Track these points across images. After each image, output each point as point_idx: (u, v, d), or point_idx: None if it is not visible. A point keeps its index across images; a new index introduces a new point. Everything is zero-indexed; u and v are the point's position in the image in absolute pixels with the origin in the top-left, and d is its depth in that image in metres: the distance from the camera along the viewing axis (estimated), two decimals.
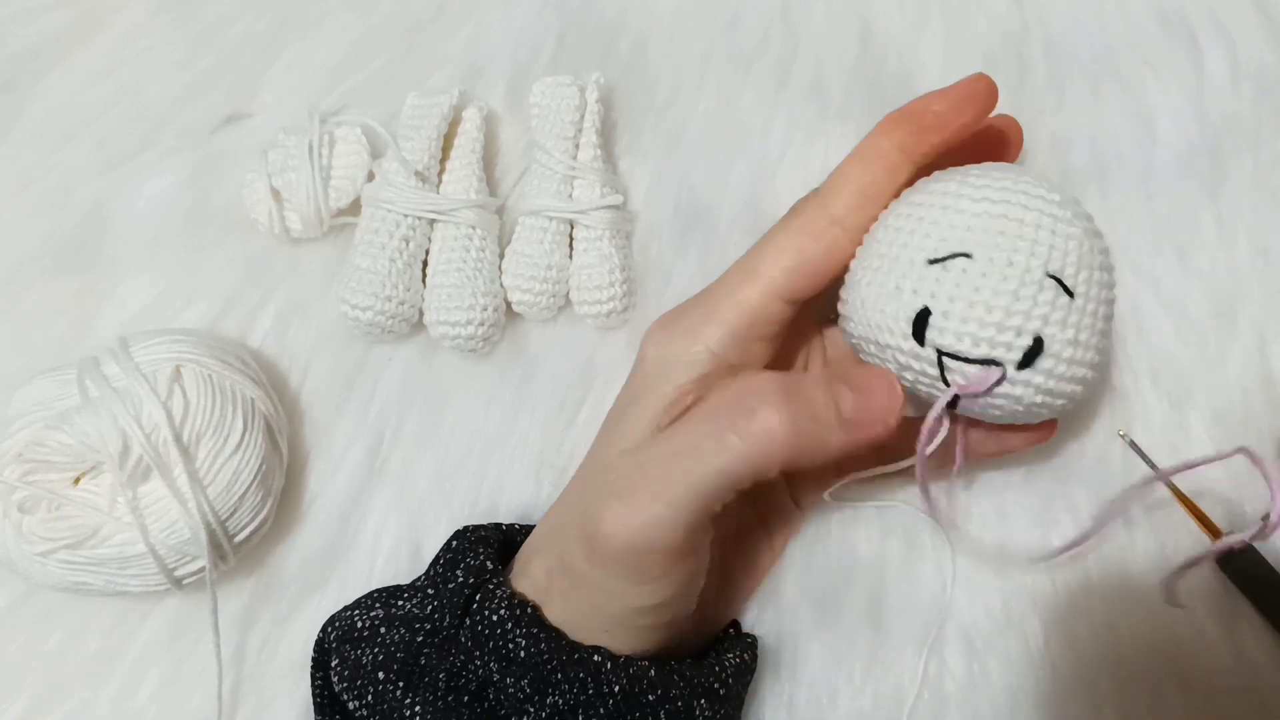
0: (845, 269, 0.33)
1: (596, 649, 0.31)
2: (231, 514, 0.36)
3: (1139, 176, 0.43)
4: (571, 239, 0.42)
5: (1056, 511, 0.39)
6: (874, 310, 0.30)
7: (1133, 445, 0.39)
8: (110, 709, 0.38)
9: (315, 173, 0.42)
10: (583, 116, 0.42)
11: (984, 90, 0.32)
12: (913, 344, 0.30)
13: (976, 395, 0.29)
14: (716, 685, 0.32)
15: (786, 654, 0.38)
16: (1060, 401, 0.30)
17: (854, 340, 0.33)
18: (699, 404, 0.31)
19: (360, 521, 0.40)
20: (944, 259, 0.29)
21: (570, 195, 0.42)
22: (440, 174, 0.43)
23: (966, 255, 0.29)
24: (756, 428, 0.29)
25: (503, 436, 0.41)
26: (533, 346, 0.43)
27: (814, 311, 0.36)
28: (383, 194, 0.41)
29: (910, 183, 0.33)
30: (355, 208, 0.43)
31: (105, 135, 0.46)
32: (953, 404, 0.30)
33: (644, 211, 0.44)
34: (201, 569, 0.36)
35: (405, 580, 0.39)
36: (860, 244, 0.32)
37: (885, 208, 0.32)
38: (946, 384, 0.30)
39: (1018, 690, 0.37)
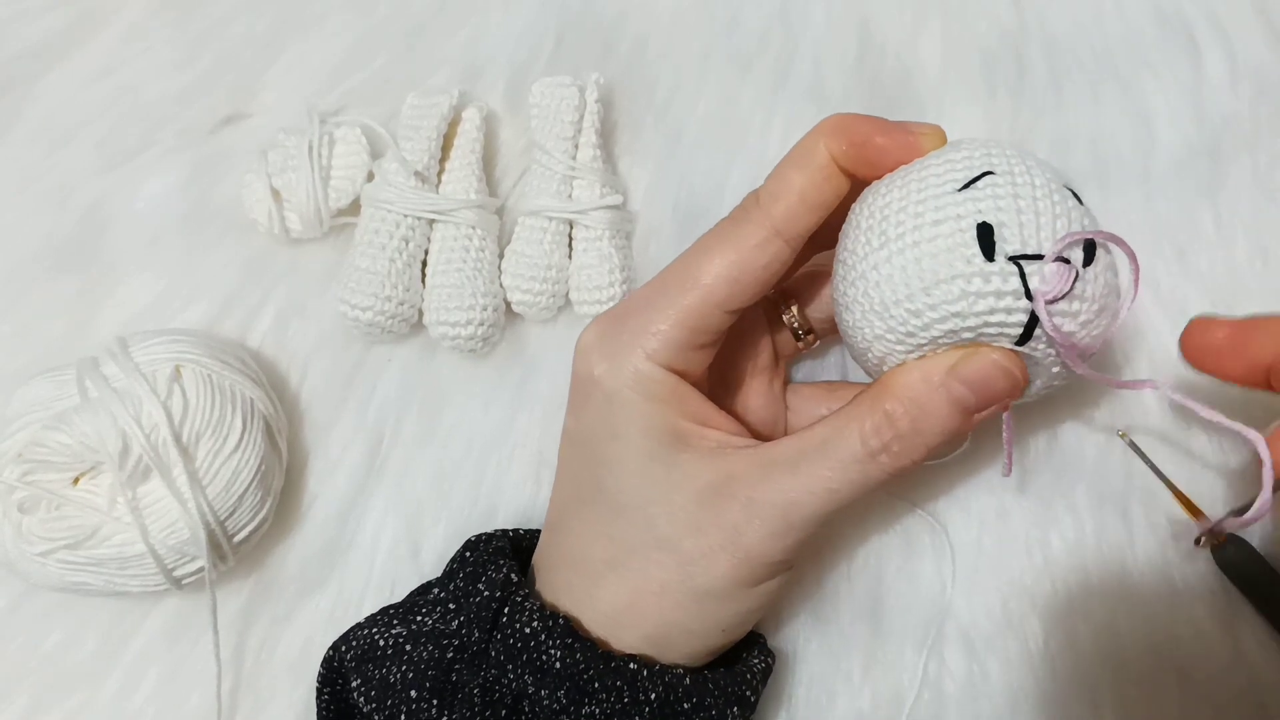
0: (788, 279, 0.32)
1: (632, 657, 0.31)
2: (231, 514, 0.36)
3: (1138, 177, 0.43)
4: (571, 239, 0.42)
5: (1057, 511, 0.39)
6: (910, 260, 0.28)
7: (1132, 445, 0.39)
8: (109, 709, 0.38)
9: (315, 173, 0.42)
10: (582, 117, 0.42)
11: (932, 143, 0.31)
12: (982, 264, 0.28)
13: (1058, 299, 0.28)
14: (747, 692, 0.32)
15: (785, 653, 0.38)
16: (1111, 310, 0.30)
17: (872, 326, 0.30)
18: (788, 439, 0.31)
19: (359, 521, 0.40)
20: (972, 180, 0.28)
21: (570, 195, 0.42)
22: (440, 174, 0.43)
23: (990, 173, 0.28)
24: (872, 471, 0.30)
25: (502, 437, 0.41)
26: (532, 347, 0.43)
27: (760, 308, 0.36)
28: (382, 194, 0.41)
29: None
30: (355, 208, 0.43)
31: (105, 135, 0.46)
32: (1029, 334, 0.28)
33: (643, 211, 0.44)
34: (201, 569, 0.36)
35: (404, 580, 0.39)
36: (808, 248, 0.32)
37: (824, 217, 0.31)
38: (1029, 296, 0.28)
39: (1018, 690, 0.37)
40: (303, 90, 0.46)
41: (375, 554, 0.40)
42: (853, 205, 0.32)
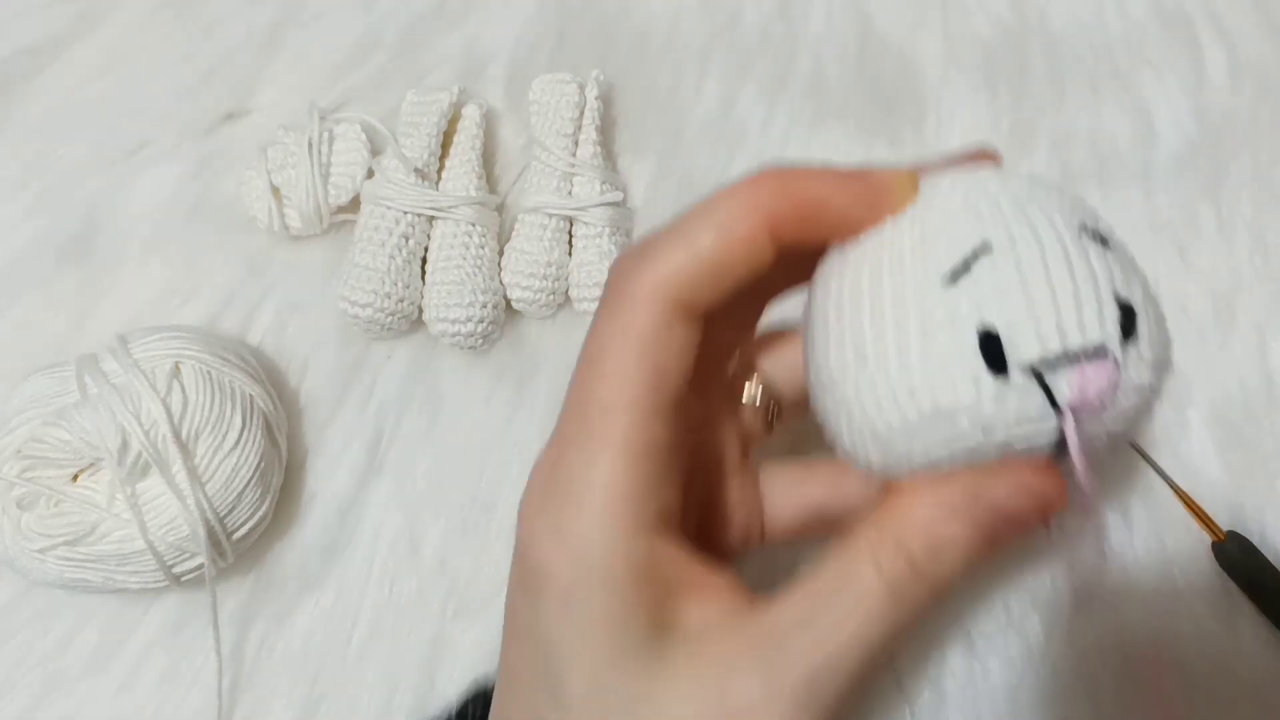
0: (746, 343, 0.27)
1: None
2: (230, 511, 0.36)
3: (1138, 175, 0.43)
4: (571, 236, 0.42)
5: None
6: (901, 390, 0.22)
7: (1133, 444, 0.39)
8: (109, 706, 0.38)
9: (314, 170, 0.42)
10: (582, 113, 0.42)
11: (904, 194, 0.24)
12: (993, 383, 0.21)
13: (1101, 404, 0.22)
14: None
15: None
16: (1162, 376, 0.23)
17: (867, 453, 0.24)
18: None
19: (359, 519, 0.40)
20: (962, 266, 0.22)
21: (570, 192, 0.42)
22: (440, 171, 0.43)
23: (986, 248, 0.22)
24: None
25: (501, 434, 0.41)
26: (532, 344, 0.42)
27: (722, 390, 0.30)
28: (382, 191, 0.41)
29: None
30: (355, 205, 0.43)
31: (104, 132, 0.46)
32: (1062, 449, 0.22)
33: (644, 208, 0.44)
34: (200, 566, 0.36)
35: (404, 577, 0.39)
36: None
37: (738, 291, 0.24)
38: (1057, 408, 0.21)
39: (1018, 689, 0.37)
40: (302, 87, 0.46)
41: (375, 551, 0.40)
42: (815, 280, 0.25)
